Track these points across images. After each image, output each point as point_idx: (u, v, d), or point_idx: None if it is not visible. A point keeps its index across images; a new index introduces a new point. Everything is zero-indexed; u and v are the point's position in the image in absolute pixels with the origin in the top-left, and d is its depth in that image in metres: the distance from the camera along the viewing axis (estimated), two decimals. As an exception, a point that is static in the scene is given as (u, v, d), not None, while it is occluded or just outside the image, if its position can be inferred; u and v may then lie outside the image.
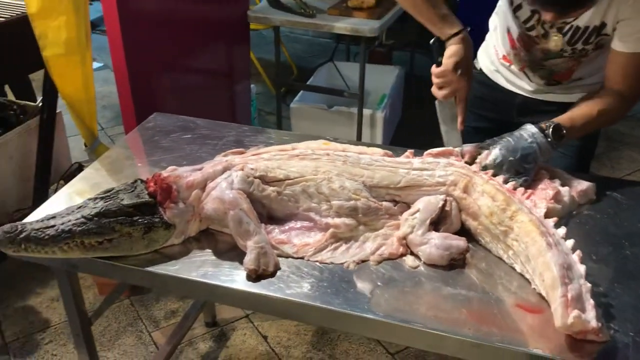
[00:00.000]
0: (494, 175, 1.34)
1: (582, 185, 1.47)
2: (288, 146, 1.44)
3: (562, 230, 1.20)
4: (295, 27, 4.14)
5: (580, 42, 1.51)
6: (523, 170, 1.38)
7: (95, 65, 4.22)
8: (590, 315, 1.04)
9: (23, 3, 2.24)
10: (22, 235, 1.17)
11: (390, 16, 3.13)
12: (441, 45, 1.46)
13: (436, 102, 1.51)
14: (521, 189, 1.30)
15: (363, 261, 1.26)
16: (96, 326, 2.28)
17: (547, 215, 1.24)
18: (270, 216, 1.36)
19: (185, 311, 2.27)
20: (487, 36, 1.82)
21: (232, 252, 1.28)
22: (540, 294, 1.15)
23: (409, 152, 1.45)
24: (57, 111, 2.60)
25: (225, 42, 3.15)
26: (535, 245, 1.15)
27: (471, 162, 1.41)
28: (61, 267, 1.36)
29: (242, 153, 1.47)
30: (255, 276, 1.21)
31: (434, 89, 1.48)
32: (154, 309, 2.45)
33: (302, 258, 1.27)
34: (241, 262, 1.23)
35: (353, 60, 4.57)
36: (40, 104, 2.54)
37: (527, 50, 1.62)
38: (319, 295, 1.17)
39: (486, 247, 1.30)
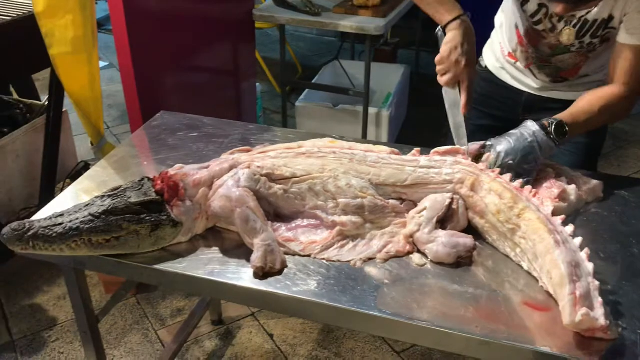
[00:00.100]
0: (501, 173, 1.33)
1: (590, 183, 1.46)
2: (294, 144, 1.44)
3: (570, 228, 1.20)
4: (301, 26, 4.14)
5: (588, 36, 1.50)
6: (523, 172, 1.37)
7: (101, 64, 4.22)
8: (599, 313, 1.04)
9: (28, 2, 2.25)
10: (30, 233, 1.17)
11: (396, 14, 3.13)
12: (446, 34, 1.46)
13: (442, 89, 1.51)
14: (528, 187, 1.29)
15: (370, 259, 1.26)
16: (103, 324, 2.29)
17: (554, 213, 1.24)
18: (277, 214, 1.36)
19: (191, 309, 2.28)
20: (493, 33, 1.82)
21: (239, 250, 1.28)
22: (547, 292, 1.15)
23: (416, 150, 1.44)
24: (64, 110, 2.60)
25: (231, 41, 3.15)
26: (543, 242, 1.15)
27: (477, 160, 1.40)
28: (69, 265, 1.37)
29: (248, 151, 1.47)
30: (262, 274, 1.21)
31: (438, 77, 1.48)
32: (160, 307, 2.46)
33: (308, 256, 1.27)
34: (248, 260, 1.23)
35: (358, 58, 4.57)
36: (47, 103, 2.55)
37: (534, 46, 1.61)
38: (326, 293, 1.17)
39: (493, 245, 1.30)
